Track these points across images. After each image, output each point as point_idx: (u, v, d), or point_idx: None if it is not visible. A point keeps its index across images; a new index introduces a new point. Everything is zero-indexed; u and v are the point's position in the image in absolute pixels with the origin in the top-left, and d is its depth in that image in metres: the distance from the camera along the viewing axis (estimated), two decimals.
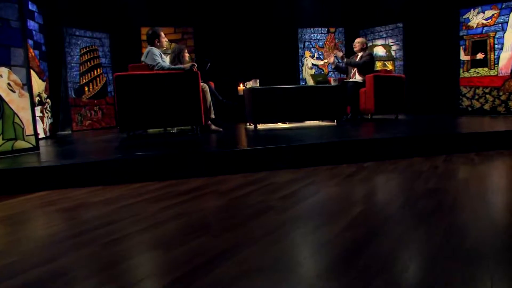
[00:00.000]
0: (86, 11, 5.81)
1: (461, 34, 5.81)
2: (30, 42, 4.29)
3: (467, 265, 0.99)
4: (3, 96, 2.70)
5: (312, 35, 7.19)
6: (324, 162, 2.62)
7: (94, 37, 5.97)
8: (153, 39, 3.99)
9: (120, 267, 1.07)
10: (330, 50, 7.08)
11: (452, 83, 6.00)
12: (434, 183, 1.96)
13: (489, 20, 5.49)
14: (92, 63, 5.95)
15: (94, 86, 5.98)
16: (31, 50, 4.29)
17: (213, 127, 4.15)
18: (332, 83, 4.74)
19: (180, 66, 3.89)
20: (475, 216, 1.41)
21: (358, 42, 5.28)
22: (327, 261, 1.07)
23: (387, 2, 6.73)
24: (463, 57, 5.82)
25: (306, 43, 7.18)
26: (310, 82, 6.99)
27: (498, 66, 5.43)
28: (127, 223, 1.48)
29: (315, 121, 4.92)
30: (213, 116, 4.16)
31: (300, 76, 7.18)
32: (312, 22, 7.12)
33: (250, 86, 4.41)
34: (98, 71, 6.04)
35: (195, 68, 3.74)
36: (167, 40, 5.52)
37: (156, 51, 3.90)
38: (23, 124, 2.83)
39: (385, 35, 6.89)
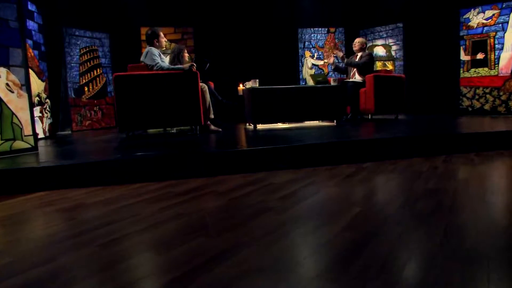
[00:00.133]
0: (86, 11, 5.81)
1: (461, 34, 5.81)
2: (30, 42, 4.29)
3: (467, 265, 0.99)
4: (2, 96, 2.70)
5: (312, 35, 7.19)
6: (323, 163, 2.61)
7: (94, 37, 5.97)
8: (152, 39, 3.99)
9: (119, 267, 1.07)
10: (330, 50, 7.08)
11: (452, 83, 6.00)
12: (433, 183, 1.96)
13: (490, 20, 5.49)
14: (92, 63, 5.95)
15: (94, 86, 5.97)
16: (30, 50, 4.29)
17: (212, 127, 4.15)
18: (332, 83, 4.74)
19: (179, 66, 3.88)
20: (474, 216, 1.41)
21: (357, 42, 5.28)
22: (327, 261, 1.06)
23: (387, 2, 6.73)
24: (463, 57, 5.82)
25: (306, 43, 7.18)
26: (310, 82, 6.99)
27: (498, 66, 5.43)
28: (126, 223, 1.48)
29: (315, 121, 4.91)
30: (212, 116, 4.16)
31: (300, 76, 7.18)
32: (312, 22, 7.12)
33: (249, 86, 4.41)
34: (98, 71, 6.04)
35: (194, 68, 3.74)
36: (166, 40, 5.51)
37: (155, 51, 3.89)
38: (21, 125, 2.83)
39: (385, 35, 6.88)
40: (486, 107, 5.60)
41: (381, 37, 6.95)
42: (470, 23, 5.71)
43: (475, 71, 5.70)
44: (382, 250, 1.11)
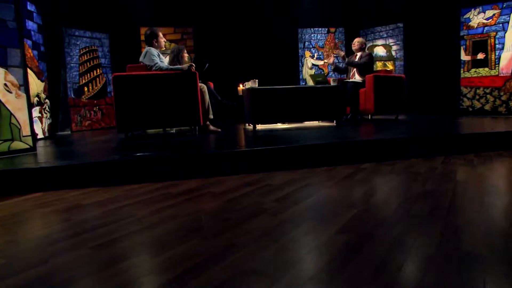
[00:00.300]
0: (85, 11, 5.81)
1: (461, 34, 5.79)
2: (29, 42, 4.29)
3: (464, 267, 0.98)
4: (0, 97, 2.70)
5: (312, 35, 7.18)
6: (321, 164, 2.60)
7: (94, 37, 5.97)
8: (151, 40, 3.98)
9: (114, 269, 1.07)
10: (331, 50, 7.07)
11: (453, 83, 5.98)
12: (432, 184, 1.95)
13: (490, 20, 5.47)
14: (92, 64, 5.95)
15: (94, 87, 5.97)
16: (30, 51, 4.29)
17: (211, 127, 4.14)
18: (332, 84, 4.73)
19: (178, 66, 3.88)
20: (472, 218, 1.40)
21: (357, 41, 5.27)
22: (322, 263, 1.06)
23: (387, 2, 6.71)
24: (464, 57, 5.80)
25: (306, 43, 7.16)
26: (310, 82, 6.98)
27: (499, 66, 5.41)
28: (122, 224, 1.48)
29: (315, 122, 4.90)
30: (211, 116, 4.15)
31: (300, 76, 7.17)
32: (312, 22, 7.11)
33: (249, 86, 4.40)
34: (98, 71, 6.04)
35: (193, 69, 3.73)
36: (165, 40, 5.51)
37: (154, 51, 3.89)
38: (19, 125, 2.82)
39: (385, 35, 6.87)
40: (487, 107, 5.58)
41: (381, 37, 6.93)
42: (471, 23, 5.69)
43: (475, 71, 5.68)
44: (379, 252, 1.11)
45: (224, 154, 2.50)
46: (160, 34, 4.04)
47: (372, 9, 6.95)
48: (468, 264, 1.01)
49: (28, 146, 2.89)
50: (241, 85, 5.17)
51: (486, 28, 5.51)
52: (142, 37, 6.17)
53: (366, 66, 5.09)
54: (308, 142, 2.75)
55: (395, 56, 6.76)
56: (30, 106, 2.93)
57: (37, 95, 4.42)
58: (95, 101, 5.98)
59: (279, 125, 4.73)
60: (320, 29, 7.17)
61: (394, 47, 6.75)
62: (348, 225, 1.36)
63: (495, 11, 5.41)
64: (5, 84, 2.73)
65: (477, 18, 5.61)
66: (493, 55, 5.46)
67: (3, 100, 2.72)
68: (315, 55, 7.20)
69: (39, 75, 4.50)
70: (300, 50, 7.14)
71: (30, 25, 4.42)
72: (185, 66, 3.81)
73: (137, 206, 1.77)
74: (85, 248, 1.23)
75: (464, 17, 5.75)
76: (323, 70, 7.24)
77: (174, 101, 3.73)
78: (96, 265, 1.10)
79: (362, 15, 7.08)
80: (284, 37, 6.99)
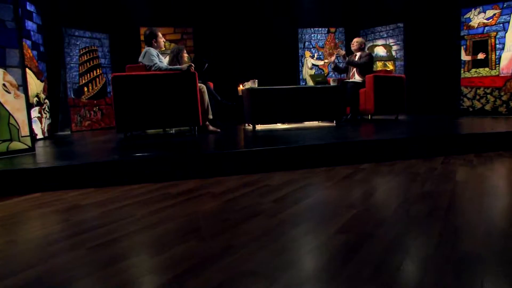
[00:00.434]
0: (85, 11, 5.81)
1: (462, 34, 5.78)
2: (28, 42, 4.28)
3: (462, 268, 0.98)
4: None
5: (312, 35, 7.17)
6: (321, 164, 2.60)
7: (94, 38, 5.97)
8: (151, 40, 3.98)
9: (115, 268, 1.06)
10: (331, 50, 7.06)
11: (453, 83, 5.97)
12: (431, 185, 1.94)
13: (490, 20, 5.46)
14: (92, 64, 5.95)
15: (94, 87, 5.97)
16: (29, 51, 4.29)
17: (211, 127, 4.14)
18: (332, 84, 4.72)
19: (177, 66, 3.87)
20: (471, 219, 1.39)
21: (356, 41, 5.27)
22: (321, 263, 1.05)
23: (388, 2, 6.71)
24: (464, 57, 5.79)
25: (306, 43, 7.16)
26: (310, 83, 6.97)
27: (499, 66, 5.40)
28: (121, 225, 1.47)
29: (315, 122, 4.90)
30: (211, 116, 4.15)
31: (300, 77, 7.17)
32: (312, 22, 7.10)
33: (248, 86, 4.39)
34: (98, 71, 6.04)
35: (192, 69, 3.73)
36: (165, 40, 5.51)
37: (154, 51, 3.88)
38: (18, 125, 2.82)
39: (385, 35, 6.86)
40: (487, 107, 5.58)
41: (381, 37, 6.93)
42: (471, 23, 5.68)
43: (476, 71, 5.67)
44: (378, 252, 1.10)
45: (224, 154, 2.50)
46: (160, 34, 4.04)
47: (372, 9, 6.94)
48: (467, 264, 1.00)
49: (26, 147, 2.89)
50: (241, 85, 5.16)
51: (486, 28, 5.51)
52: (142, 37, 6.17)
53: (366, 66, 5.08)
54: (307, 143, 2.74)
55: (395, 56, 6.76)
56: (29, 106, 2.92)
57: (37, 95, 4.42)
58: (95, 101, 5.98)
59: (279, 125, 4.73)
60: (320, 29, 7.17)
61: (394, 47, 6.75)
62: (347, 225, 1.35)
63: (496, 11, 5.41)
64: (4, 85, 2.72)
65: (477, 18, 5.61)
66: (493, 55, 5.45)
67: (1, 101, 2.71)
68: (315, 55, 7.20)
69: (38, 75, 4.50)
70: (300, 50, 7.13)
71: (30, 25, 4.42)
72: (184, 66, 3.81)
73: (137, 206, 1.76)
74: (84, 248, 1.23)
75: (465, 17, 5.74)
76: (323, 70, 7.23)
77: (173, 101, 3.73)
78: (96, 265, 1.10)
79: (362, 15, 7.08)
80: (284, 37, 6.98)
